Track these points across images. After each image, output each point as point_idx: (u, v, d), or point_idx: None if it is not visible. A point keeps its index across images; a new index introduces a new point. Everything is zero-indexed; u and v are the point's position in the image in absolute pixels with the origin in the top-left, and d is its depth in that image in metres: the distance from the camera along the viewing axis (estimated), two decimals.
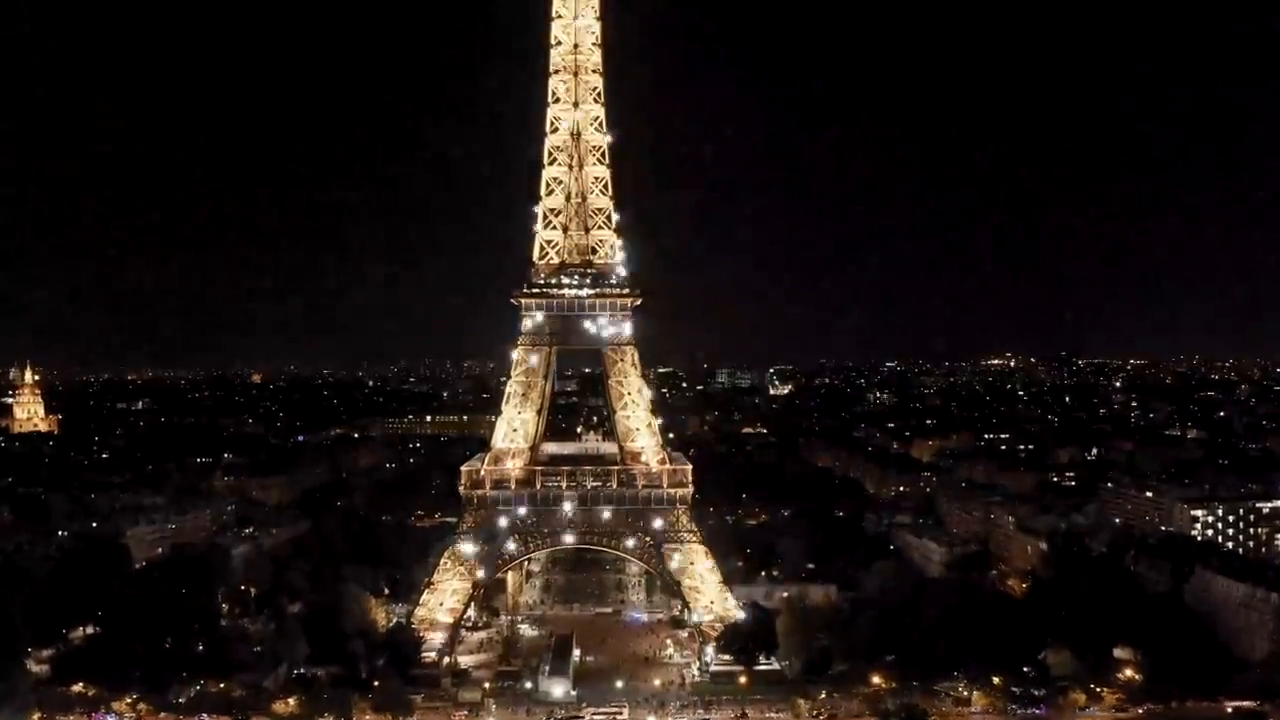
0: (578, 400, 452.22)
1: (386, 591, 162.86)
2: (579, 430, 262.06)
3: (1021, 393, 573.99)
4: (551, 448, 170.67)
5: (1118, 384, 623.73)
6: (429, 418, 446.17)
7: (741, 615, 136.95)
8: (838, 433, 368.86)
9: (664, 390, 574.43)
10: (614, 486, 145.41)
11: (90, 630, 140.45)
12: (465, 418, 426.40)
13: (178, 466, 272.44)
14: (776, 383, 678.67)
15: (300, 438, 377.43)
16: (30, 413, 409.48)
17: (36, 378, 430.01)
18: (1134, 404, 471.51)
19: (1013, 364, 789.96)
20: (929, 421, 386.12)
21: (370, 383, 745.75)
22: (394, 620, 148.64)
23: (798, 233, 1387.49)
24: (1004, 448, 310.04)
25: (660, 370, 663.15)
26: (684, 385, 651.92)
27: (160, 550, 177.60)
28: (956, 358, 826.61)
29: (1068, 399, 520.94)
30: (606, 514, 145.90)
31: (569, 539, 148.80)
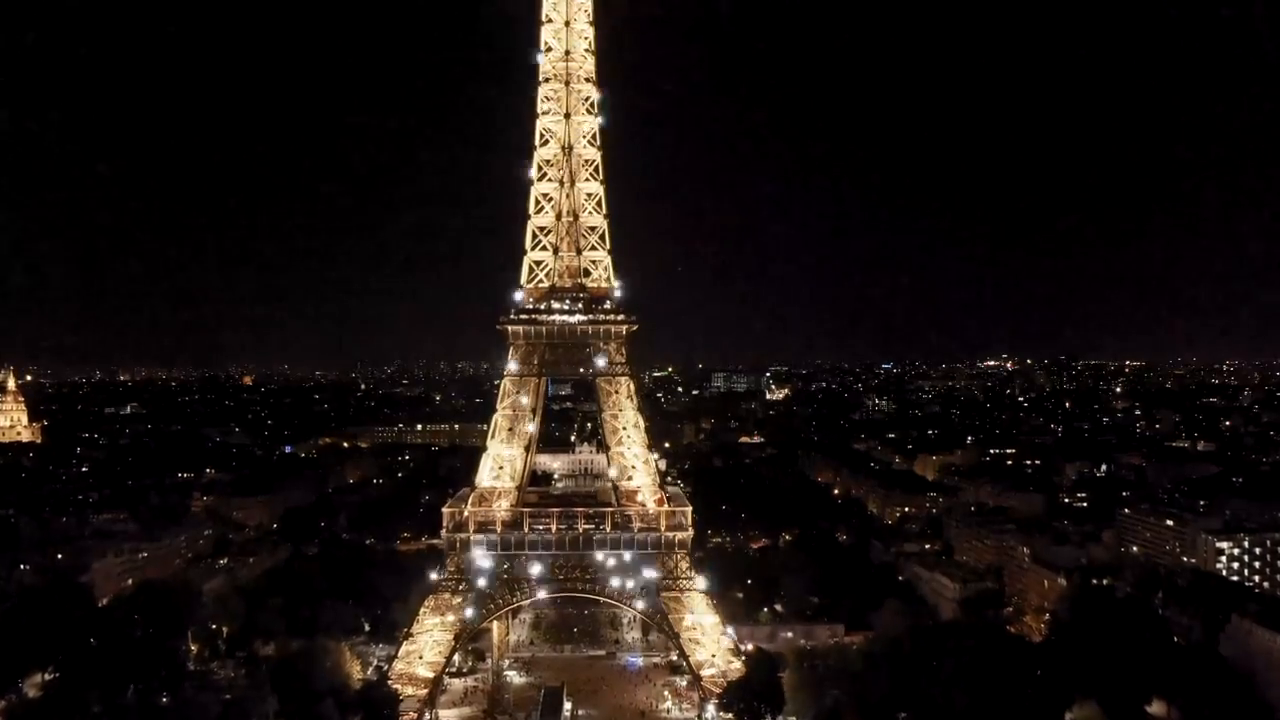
0: (572, 406, 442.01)
1: (367, 629, 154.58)
2: (573, 439, 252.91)
3: (1022, 399, 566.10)
4: (544, 459, 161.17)
5: (1118, 389, 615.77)
6: (420, 425, 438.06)
7: (743, 667, 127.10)
8: (837, 445, 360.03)
9: (659, 395, 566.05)
10: (608, 529, 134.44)
11: (49, 676, 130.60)
12: (457, 426, 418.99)
13: (156, 485, 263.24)
14: (773, 386, 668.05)
15: (287, 448, 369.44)
16: (13, 421, 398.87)
17: (29, 378, 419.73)
18: (1137, 411, 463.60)
19: (1010, 366, 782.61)
20: (930, 432, 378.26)
21: (363, 385, 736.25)
22: (373, 664, 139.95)
23: (794, 233, 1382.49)
24: (1010, 463, 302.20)
25: (656, 374, 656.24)
26: (680, 390, 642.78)
27: (130, 581, 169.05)
28: (953, 359, 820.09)
29: (1068, 404, 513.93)
30: (599, 559, 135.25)
31: (558, 588, 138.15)
